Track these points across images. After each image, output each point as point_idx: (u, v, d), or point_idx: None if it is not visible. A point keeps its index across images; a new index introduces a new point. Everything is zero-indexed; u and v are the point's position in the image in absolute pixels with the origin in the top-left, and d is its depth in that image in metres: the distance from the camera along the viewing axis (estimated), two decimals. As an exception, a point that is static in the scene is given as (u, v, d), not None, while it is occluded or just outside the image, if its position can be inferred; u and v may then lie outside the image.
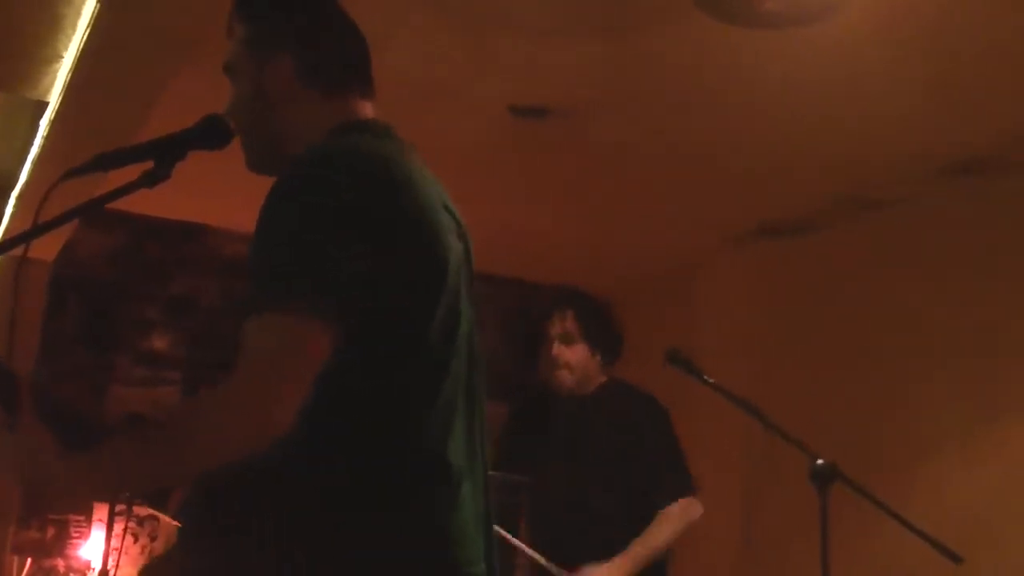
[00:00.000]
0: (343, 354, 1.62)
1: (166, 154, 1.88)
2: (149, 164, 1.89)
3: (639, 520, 3.54)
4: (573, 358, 3.69)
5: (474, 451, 1.80)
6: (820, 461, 3.13)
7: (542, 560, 3.50)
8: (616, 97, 4.50)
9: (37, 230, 1.79)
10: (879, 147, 4.81)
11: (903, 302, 5.19)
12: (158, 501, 4.99)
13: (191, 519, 1.82)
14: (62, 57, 4.07)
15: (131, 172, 1.88)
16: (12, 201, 5.48)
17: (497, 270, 6.52)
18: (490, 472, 1.86)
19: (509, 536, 3.55)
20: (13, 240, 1.87)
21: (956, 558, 3.10)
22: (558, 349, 3.69)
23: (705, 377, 3.47)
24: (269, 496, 1.68)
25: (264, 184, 1.99)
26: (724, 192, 5.47)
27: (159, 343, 6.51)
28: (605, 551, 3.46)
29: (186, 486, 1.81)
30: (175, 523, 4.81)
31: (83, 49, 3.80)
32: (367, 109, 1.98)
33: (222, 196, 5.42)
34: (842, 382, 5.37)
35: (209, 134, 1.92)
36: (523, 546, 3.58)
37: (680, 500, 3.60)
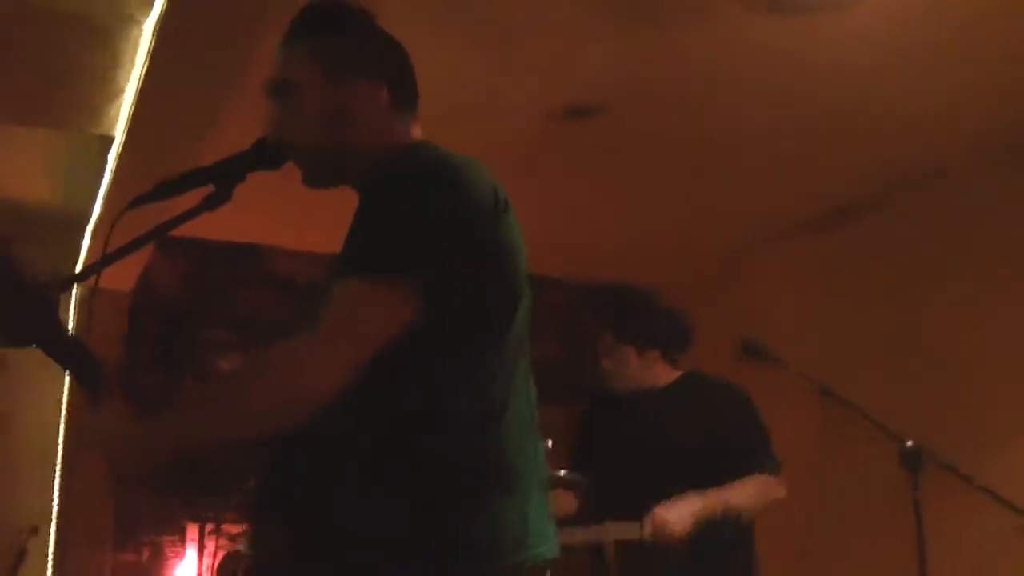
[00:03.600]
0: (449, 359, 1.71)
1: (225, 177, 1.92)
2: (209, 188, 1.93)
3: None
4: (615, 366, 3.63)
5: (539, 448, 1.87)
6: (909, 443, 3.11)
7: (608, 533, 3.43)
8: (654, 92, 4.49)
9: (104, 261, 1.83)
10: (918, 130, 4.77)
11: (959, 281, 5.12)
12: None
13: (267, 504, 1.87)
14: (124, 91, 4.16)
15: (195, 198, 1.92)
16: (88, 236, 5.59)
17: (544, 270, 6.47)
18: (557, 472, 1.91)
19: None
20: (83, 273, 1.92)
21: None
22: (603, 363, 3.65)
23: (785, 364, 3.41)
24: (366, 493, 1.73)
25: (320, 200, 2.03)
26: (768, 181, 5.43)
27: (231, 364, 6.59)
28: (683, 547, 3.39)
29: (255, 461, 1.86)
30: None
31: (144, 81, 3.89)
32: (419, 127, 2.03)
33: (278, 216, 5.50)
34: (909, 364, 5.29)
35: (266, 155, 1.95)
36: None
37: (765, 473, 3.52)
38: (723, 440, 3.48)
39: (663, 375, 3.63)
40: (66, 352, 1.83)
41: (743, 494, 3.39)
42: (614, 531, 3.35)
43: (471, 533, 1.71)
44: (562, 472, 3.41)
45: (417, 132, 2.02)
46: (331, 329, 1.67)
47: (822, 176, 5.34)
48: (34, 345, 1.81)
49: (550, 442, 3.58)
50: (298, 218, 5.23)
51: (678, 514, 3.24)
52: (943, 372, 5.16)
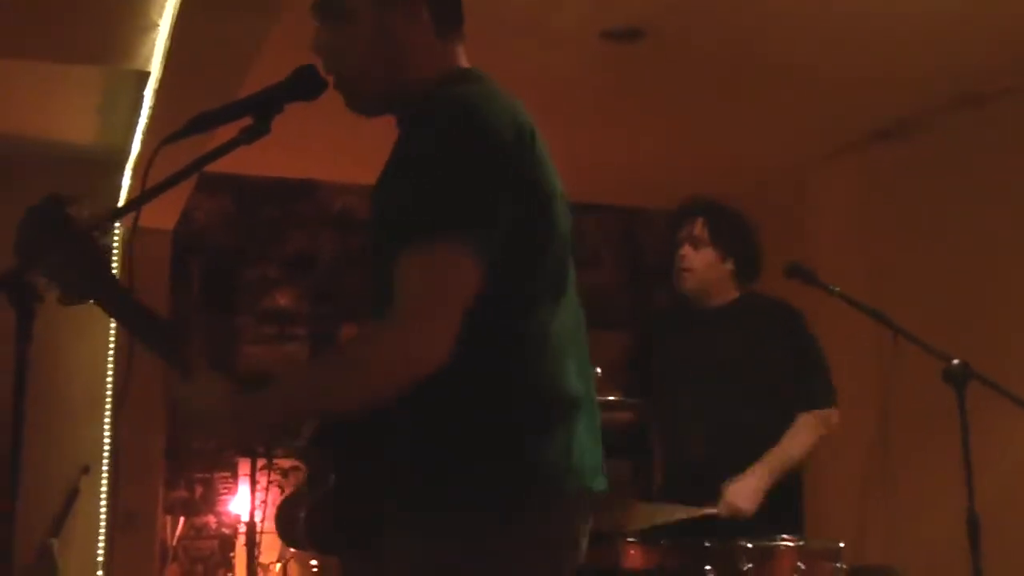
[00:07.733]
0: (484, 293, 1.72)
1: (263, 109, 1.88)
2: (248, 121, 1.88)
3: (779, 431, 3.47)
4: (698, 262, 3.59)
5: (587, 377, 1.90)
6: (955, 361, 3.12)
7: (678, 513, 3.42)
8: (711, 9, 4.37)
9: (143, 198, 1.80)
10: (971, 48, 4.65)
11: (1009, 202, 5.02)
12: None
13: (326, 444, 1.88)
14: (158, 25, 4.10)
15: (234, 132, 1.88)
16: (127, 174, 5.57)
17: (602, 199, 6.37)
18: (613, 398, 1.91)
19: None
20: (121, 210, 1.89)
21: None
22: (684, 251, 3.61)
23: (830, 287, 3.41)
24: (417, 423, 1.79)
25: (369, 133, 1.98)
26: (829, 99, 5.30)
27: (282, 300, 6.61)
28: (746, 464, 3.39)
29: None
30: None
31: (177, 14, 3.82)
32: (464, 55, 2.00)
33: (329, 151, 5.45)
34: (965, 282, 5.21)
35: (303, 85, 1.90)
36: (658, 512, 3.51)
37: (818, 409, 3.51)
38: (777, 366, 3.51)
39: (727, 292, 3.64)
40: (123, 308, 1.87)
41: (798, 443, 3.47)
42: (686, 512, 3.34)
43: (515, 460, 1.76)
44: (611, 398, 3.44)
45: (462, 58, 1.99)
46: (429, 302, 1.70)
47: (874, 94, 5.21)
48: (92, 301, 1.83)
49: (599, 370, 3.58)
50: (350, 151, 5.17)
51: (747, 495, 3.33)
52: (990, 291, 5.12)
